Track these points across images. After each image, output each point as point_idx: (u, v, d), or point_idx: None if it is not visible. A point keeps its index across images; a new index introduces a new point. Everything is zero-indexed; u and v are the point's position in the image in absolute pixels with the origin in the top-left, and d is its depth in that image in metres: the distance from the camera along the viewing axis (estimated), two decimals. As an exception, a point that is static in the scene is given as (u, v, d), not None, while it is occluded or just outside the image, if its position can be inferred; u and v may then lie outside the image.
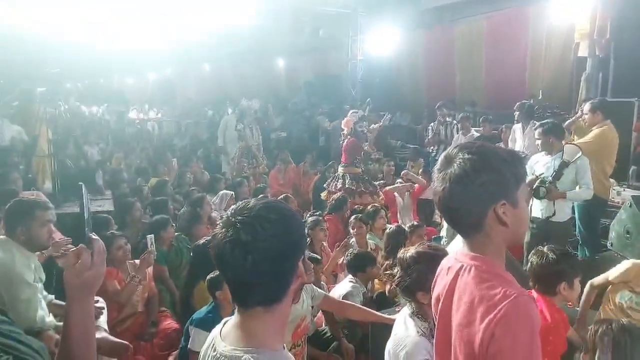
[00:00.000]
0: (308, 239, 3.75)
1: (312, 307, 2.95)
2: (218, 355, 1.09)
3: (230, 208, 1.12)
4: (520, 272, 2.72)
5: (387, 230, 4.21)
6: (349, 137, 6.12)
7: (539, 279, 2.35)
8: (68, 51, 13.06)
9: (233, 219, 1.05)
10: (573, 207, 4.51)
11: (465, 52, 9.66)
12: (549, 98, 7.65)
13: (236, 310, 1.13)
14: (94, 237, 1.22)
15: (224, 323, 1.17)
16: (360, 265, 3.55)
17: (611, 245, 4.21)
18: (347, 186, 5.87)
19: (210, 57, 16.17)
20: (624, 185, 5.64)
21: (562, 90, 7.84)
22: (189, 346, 2.68)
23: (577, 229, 4.91)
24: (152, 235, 3.60)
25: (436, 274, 1.43)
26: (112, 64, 17.46)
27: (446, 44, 9.98)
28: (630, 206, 4.04)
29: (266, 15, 9.72)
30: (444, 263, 1.40)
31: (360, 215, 4.68)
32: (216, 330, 1.17)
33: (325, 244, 4.43)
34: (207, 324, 2.56)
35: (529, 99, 7.07)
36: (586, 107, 4.83)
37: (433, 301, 1.41)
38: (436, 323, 1.38)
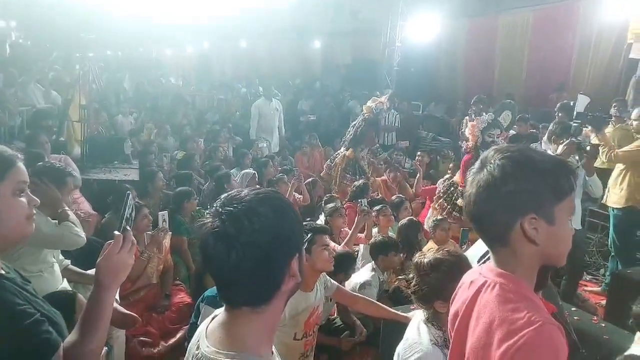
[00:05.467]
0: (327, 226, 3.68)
1: (330, 299, 2.90)
2: (200, 355, 1.01)
3: (221, 197, 1.03)
4: (555, 300, 2.52)
5: (400, 223, 4.11)
6: None
7: None
8: (107, 18, 13.21)
9: (221, 210, 0.97)
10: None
11: (507, 46, 9.30)
12: (593, 100, 7.28)
13: (223, 308, 1.05)
14: (129, 229, 1.34)
15: (212, 318, 1.09)
16: (384, 249, 3.48)
17: (646, 259, 4.01)
18: None
19: (247, 33, 16.11)
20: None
21: (608, 93, 7.44)
22: (198, 322, 2.67)
23: (610, 240, 4.71)
24: (166, 212, 3.58)
25: (457, 287, 1.31)
26: (151, 33, 17.60)
27: (488, 36, 9.63)
28: (670, 221, 3.82)
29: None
30: (467, 277, 1.27)
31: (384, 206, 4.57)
32: (203, 325, 1.10)
33: (346, 229, 4.36)
34: (219, 302, 2.54)
35: (571, 100, 6.75)
36: (635, 112, 4.56)
37: (450, 316, 1.29)
38: (451, 340, 1.27)
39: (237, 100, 12.95)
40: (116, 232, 1.32)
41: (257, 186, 5.18)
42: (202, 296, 2.81)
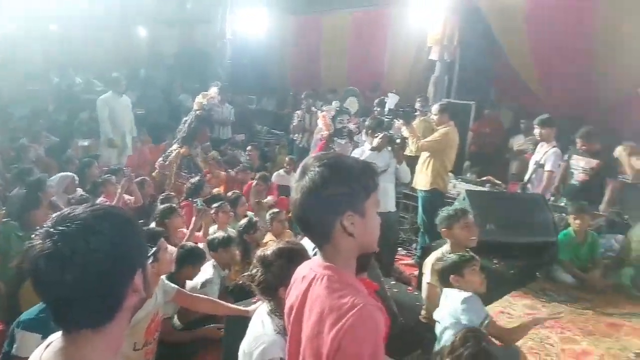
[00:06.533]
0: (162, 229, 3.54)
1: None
2: None
3: (53, 215, 0.95)
4: (377, 278, 2.85)
5: (240, 223, 4.19)
6: None
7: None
8: None
9: (52, 230, 0.90)
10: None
11: (330, 45, 9.94)
12: (405, 96, 8.26)
13: (60, 333, 0.97)
14: None
15: (47, 346, 1.00)
16: (212, 246, 3.52)
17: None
18: None
19: (59, 15, 14.29)
20: (459, 179, 6.36)
21: (415, 90, 8.52)
22: (13, 351, 2.36)
23: (419, 219, 5.42)
24: None
25: (291, 283, 1.41)
26: None
27: (314, 34, 10.19)
28: (464, 199, 4.56)
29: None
30: (299, 272, 1.38)
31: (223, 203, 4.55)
32: (36, 354, 1.00)
33: (183, 230, 4.24)
34: (38, 325, 2.28)
35: (386, 96, 7.55)
36: (435, 107, 5.31)
37: (286, 310, 1.39)
38: (289, 333, 1.36)
39: (50, 93, 11.50)
40: None
41: (82, 193, 4.73)
42: (17, 320, 2.48)
